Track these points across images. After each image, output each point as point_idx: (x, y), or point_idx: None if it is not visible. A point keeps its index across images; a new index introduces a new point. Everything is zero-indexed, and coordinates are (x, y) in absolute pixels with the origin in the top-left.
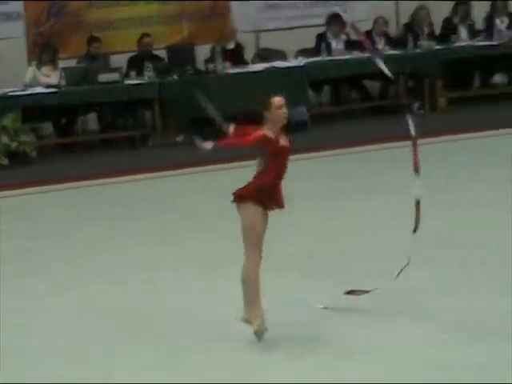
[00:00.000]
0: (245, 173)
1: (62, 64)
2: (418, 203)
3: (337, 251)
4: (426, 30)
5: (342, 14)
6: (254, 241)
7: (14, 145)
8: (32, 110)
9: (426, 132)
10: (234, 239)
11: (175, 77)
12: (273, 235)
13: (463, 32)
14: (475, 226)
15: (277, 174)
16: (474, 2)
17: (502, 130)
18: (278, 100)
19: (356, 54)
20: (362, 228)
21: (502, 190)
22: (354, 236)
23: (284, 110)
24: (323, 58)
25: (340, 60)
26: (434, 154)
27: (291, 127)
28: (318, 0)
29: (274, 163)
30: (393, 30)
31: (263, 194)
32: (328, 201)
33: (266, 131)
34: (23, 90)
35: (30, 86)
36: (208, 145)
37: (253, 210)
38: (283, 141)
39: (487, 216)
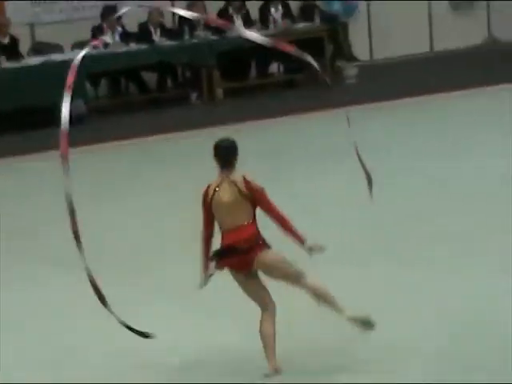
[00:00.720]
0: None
1: None
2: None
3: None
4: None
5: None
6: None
7: None
8: None
9: (203, 123)
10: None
11: None
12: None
13: (239, 22)
14: None
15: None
16: None
17: (260, 122)
18: None
19: (132, 47)
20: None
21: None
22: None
23: None
24: (100, 50)
25: (117, 52)
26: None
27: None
28: None
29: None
30: (169, 21)
31: None
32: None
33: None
34: None
35: None
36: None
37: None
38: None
39: None
